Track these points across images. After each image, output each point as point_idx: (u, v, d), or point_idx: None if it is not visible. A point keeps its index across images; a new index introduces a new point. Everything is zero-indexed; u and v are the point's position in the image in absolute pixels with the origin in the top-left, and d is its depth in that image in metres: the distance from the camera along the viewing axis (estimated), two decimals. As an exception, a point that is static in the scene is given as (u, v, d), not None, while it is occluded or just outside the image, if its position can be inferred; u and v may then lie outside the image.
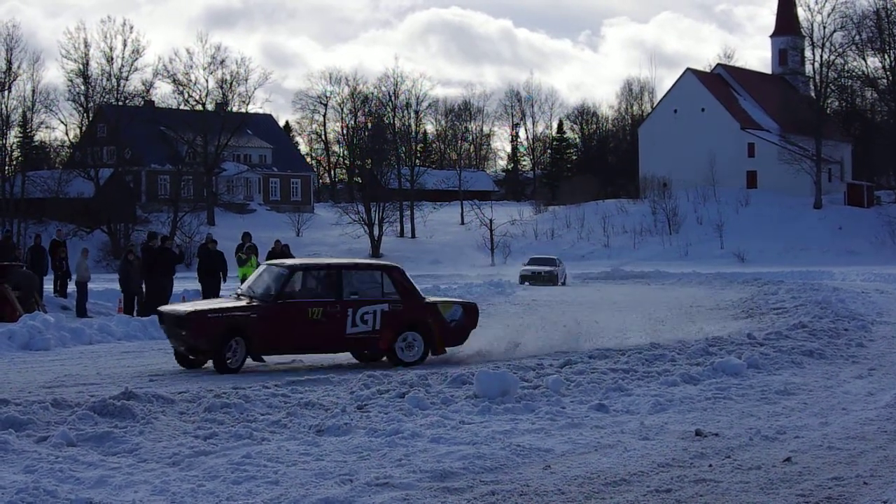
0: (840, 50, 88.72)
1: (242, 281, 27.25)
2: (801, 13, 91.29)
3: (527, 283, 45.07)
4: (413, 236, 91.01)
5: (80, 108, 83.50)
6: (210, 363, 15.23)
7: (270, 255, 28.30)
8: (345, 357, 16.49)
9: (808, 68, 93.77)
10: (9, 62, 76.93)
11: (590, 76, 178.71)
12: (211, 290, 26.76)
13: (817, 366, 15.34)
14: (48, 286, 28.69)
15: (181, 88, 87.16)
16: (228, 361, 14.86)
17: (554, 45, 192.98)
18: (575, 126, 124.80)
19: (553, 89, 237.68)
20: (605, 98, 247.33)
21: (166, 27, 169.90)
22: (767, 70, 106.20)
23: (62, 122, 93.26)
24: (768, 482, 8.34)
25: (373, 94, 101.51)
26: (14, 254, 27.09)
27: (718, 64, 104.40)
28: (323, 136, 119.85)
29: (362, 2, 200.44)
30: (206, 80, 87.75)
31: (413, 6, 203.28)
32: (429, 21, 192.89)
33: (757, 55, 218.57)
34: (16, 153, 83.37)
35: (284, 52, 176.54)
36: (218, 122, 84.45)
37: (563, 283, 47.16)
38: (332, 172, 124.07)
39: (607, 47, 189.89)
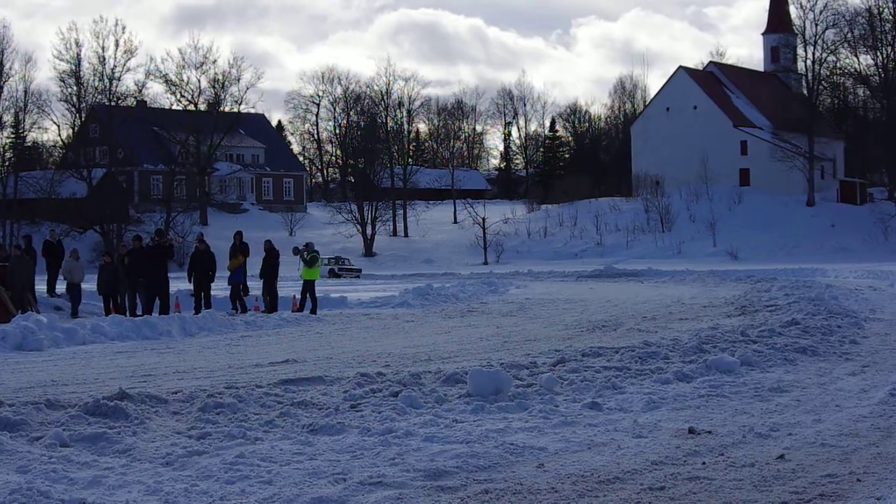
0: (832, 47, 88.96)
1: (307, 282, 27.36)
2: (794, 11, 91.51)
3: None
4: (406, 235, 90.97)
5: (73, 109, 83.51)
6: None
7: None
8: (340, 356, 16.49)
9: (801, 66, 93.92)
10: (0, 63, 76.81)
11: (566, 74, 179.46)
12: (201, 289, 26.77)
13: (810, 363, 15.34)
14: (41, 286, 28.65)
15: (173, 88, 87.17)
16: None
17: (525, 44, 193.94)
18: (567, 125, 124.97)
19: (543, 88, 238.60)
20: (584, 95, 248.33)
21: (137, 26, 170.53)
22: (750, 67, 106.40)
23: (54, 123, 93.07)
24: (762, 479, 8.34)
25: (365, 93, 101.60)
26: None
27: (711, 62, 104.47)
28: (315, 136, 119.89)
29: (333, 2, 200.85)
30: (199, 80, 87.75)
31: (383, 6, 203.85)
32: (399, 21, 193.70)
33: (734, 53, 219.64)
34: (8, 154, 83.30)
35: (256, 51, 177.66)
36: (210, 121, 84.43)
37: None
38: (325, 172, 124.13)
39: (580, 45, 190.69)
